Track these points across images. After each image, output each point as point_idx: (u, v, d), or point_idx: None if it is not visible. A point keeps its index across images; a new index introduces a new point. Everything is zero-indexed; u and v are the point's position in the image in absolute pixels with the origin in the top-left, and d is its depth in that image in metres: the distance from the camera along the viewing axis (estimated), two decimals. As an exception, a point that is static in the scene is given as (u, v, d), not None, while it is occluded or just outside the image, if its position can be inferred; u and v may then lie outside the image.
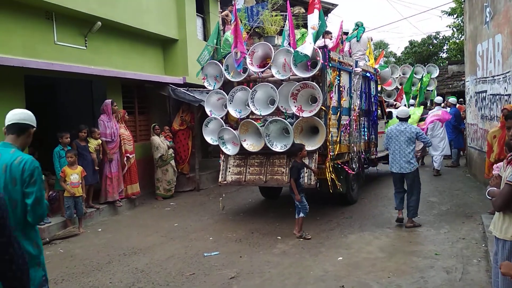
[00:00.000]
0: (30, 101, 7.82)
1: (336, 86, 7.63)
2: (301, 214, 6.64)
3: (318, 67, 7.03)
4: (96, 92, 9.96)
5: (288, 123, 7.16)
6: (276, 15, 15.76)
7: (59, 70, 7.63)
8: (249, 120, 7.55)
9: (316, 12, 7.25)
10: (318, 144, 7.04)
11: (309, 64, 7.23)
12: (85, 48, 8.71)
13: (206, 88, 8.57)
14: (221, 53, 8.39)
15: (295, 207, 6.73)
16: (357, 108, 8.55)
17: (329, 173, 7.33)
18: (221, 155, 8.10)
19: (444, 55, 31.69)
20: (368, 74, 9.33)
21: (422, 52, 31.34)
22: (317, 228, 7.10)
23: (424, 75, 16.25)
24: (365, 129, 9.23)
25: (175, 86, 10.56)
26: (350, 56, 9.57)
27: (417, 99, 14.73)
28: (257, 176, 7.70)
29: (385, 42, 40.19)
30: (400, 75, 16.96)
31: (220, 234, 7.02)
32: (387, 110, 11.89)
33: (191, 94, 10.41)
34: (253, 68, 7.54)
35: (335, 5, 19.78)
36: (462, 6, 15.35)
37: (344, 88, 8.03)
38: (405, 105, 14.66)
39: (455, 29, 25.73)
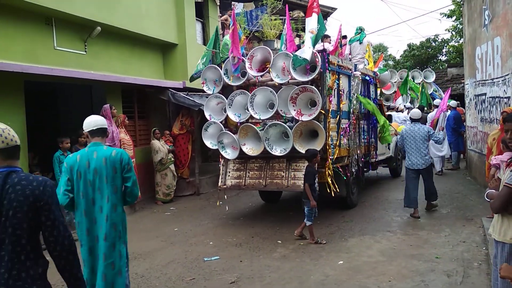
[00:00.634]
0: (30, 106, 7.84)
1: (335, 89, 7.63)
2: (307, 222, 6.59)
3: (317, 71, 7.03)
4: (96, 97, 9.97)
5: (287, 127, 7.15)
6: (275, 19, 15.88)
7: (59, 75, 7.63)
8: (248, 124, 7.55)
9: (314, 16, 7.25)
10: (317, 148, 7.02)
11: (308, 68, 7.23)
12: (84, 53, 8.72)
13: (205, 92, 8.59)
14: (220, 57, 8.41)
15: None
16: (357, 112, 8.55)
17: (329, 177, 7.34)
18: (220, 159, 8.10)
19: (444, 58, 31.72)
20: (367, 78, 9.34)
21: (421, 55, 31.35)
22: (317, 232, 7.07)
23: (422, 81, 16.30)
24: (365, 132, 9.23)
25: (174, 90, 10.58)
26: (350, 60, 9.60)
27: (418, 103, 14.74)
28: (257, 180, 7.70)
29: (384, 46, 40.30)
30: (398, 80, 16.99)
31: (220, 238, 7.01)
32: (387, 113, 11.90)
33: (191, 99, 10.42)
34: (252, 72, 7.56)
35: (334, 9, 19.87)
36: (461, 8, 15.38)
37: (344, 92, 8.04)
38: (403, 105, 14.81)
39: (454, 32, 25.75)
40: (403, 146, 7.98)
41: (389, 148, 11.38)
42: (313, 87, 7.05)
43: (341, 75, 7.91)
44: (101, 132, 3.86)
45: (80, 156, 3.70)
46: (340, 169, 7.84)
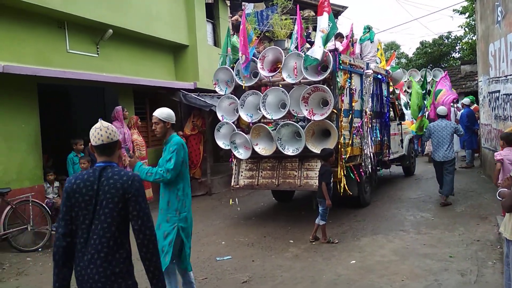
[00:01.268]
0: (44, 108, 7.95)
1: (347, 88, 7.62)
2: (321, 222, 6.57)
3: (328, 71, 7.02)
4: (108, 98, 10.08)
5: (299, 127, 7.15)
6: (285, 19, 15.84)
7: (72, 78, 7.74)
8: (261, 124, 7.59)
9: (325, 14, 7.21)
10: (330, 147, 6.99)
11: (320, 68, 7.22)
12: (97, 55, 8.82)
13: (216, 93, 8.59)
14: (231, 59, 8.43)
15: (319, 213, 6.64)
16: (368, 110, 8.51)
17: (342, 176, 7.32)
18: (233, 159, 8.13)
19: (457, 55, 31.39)
20: (379, 76, 9.28)
21: (433, 53, 31.06)
22: (329, 231, 7.05)
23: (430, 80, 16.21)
24: (378, 131, 9.17)
25: (186, 91, 10.63)
26: (361, 58, 9.55)
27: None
28: (270, 180, 7.72)
29: (397, 43, 39.97)
30: (408, 79, 16.87)
31: (232, 238, 7.04)
32: (400, 111, 11.85)
33: (202, 99, 10.47)
34: (263, 73, 7.57)
35: (345, 7, 19.80)
36: (474, 5, 15.20)
37: (356, 91, 8.01)
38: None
39: (467, 29, 25.46)
40: (430, 138, 8.58)
41: (402, 147, 11.34)
42: (325, 86, 7.04)
43: (353, 74, 7.88)
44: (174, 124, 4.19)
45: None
46: (353, 168, 7.81)
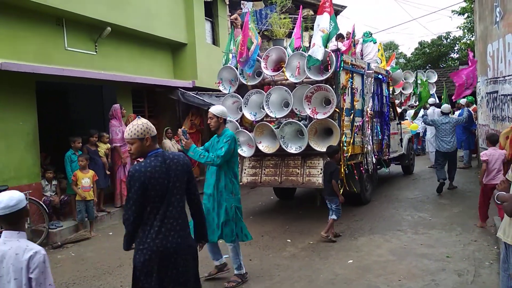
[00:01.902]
0: (42, 106, 7.92)
1: (349, 88, 7.71)
2: (334, 217, 6.62)
3: (331, 71, 7.13)
4: (107, 96, 10.03)
5: (302, 125, 7.28)
6: (284, 18, 15.83)
7: (70, 76, 7.71)
8: (264, 122, 7.71)
9: (326, 15, 7.23)
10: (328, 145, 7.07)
11: (322, 67, 7.32)
12: (95, 53, 8.80)
13: (215, 91, 8.63)
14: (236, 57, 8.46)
15: (329, 209, 6.70)
16: (369, 110, 8.61)
17: (344, 174, 7.40)
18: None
19: (455, 56, 31.43)
20: (380, 76, 9.40)
21: (432, 53, 31.09)
22: (327, 231, 7.08)
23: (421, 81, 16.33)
24: (378, 130, 9.30)
25: (184, 90, 10.62)
26: (362, 58, 9.61)
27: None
28: (273, 177, 7.83)
29: (395, 43, 40.02)
30: (402, 80, 17.02)
31: (230, 237, 7.02)
32: (399, 111, 12.03)
33: (201, 98, 10.46)
34: (267, 72, 7.70)
35: (343, 7, 19.79)
36: (472, 5, 15.23)
37: (357, 90, 8.12)
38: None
39: (465, 30, 25.50)
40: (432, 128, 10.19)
41: (401, 146, 11.45)
42: (328, 86, 7.13)
43: (354, 74, 7.98)
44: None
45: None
46: (354, 167, 7.91)
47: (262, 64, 7.69)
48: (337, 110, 7.26)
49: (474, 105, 13.60)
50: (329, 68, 7.21)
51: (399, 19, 64.31)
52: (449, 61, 31.12)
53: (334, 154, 6.77)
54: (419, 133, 14.96)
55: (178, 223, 3.12)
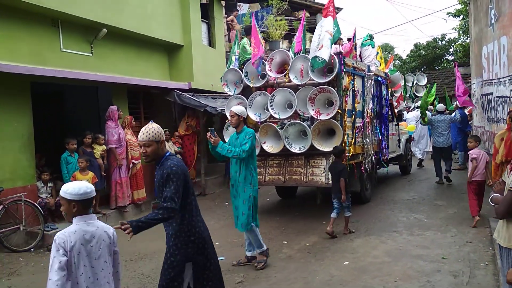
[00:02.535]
0: (37, 108, 7.89)
1: (351, 90, 7.95)
2: (348, 213, 6.97)
3: (334, 73, 7.37)
4: (102, 98, 10.02)
5: (306, 126, 7.50)
6: (280, 20, 15.86)
7: (66, 77, 7.69)
8: (269, 123, 7.89)
9: (330, 18, 7.50)
10: (334, 146, 7.34)
11: (326, 70, 7.53)
12: (91, 54, 8.78)
13: (211, 93, 8.71)
14: (240, 61, 8.74)
15: (335, 207, 6.92)
16: (370, 111, 8.89)
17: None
18: None
19: (451, 58, 31.53)
20: (379, 78, 9.68)
21: (427, 55, 31.19)
22: (323, 232, 7.07)
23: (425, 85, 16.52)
24: (378, 131, 9.55)
25: (180, 91, 10.61)
26: (361, 61, 9.74)
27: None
28: (276, 177, 8.01)
29: (391, 45, 40.12)
30: (400, 83, 17.18)
31: (226, 239, 7.03)
32: (397, 112, 12.30)
33: (197, 100, 10.45)
34: (271, 74, 7.91)
35: (339, 9, 19.82)
36: (467, 8, 15.32)
37: (358, 92, 8.36)
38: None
39: (460, 32, 25.59)
40: (431, 128, 11.25)
41: (399, 146, 11.71)
42: (331, 87, 7.35)
43: (355, 76, 8.23)
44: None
45: None
46: (355, 166, 8.11)
47: (267, 67, 7.92)
48: (339, 111, 7.46)
49: (470, 107, 13.66)
50: (333, 70, 7.45)
51: (395, 21, 64.56)
52: (444, 63, 31.21)
53: (341, 154, 7.09)
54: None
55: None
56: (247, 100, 8.03)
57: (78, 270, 2.61)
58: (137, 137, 9.68)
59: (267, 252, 5.76)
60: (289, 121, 7.68)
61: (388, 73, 10.85)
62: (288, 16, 17.23)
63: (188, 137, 10.98)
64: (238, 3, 17.93)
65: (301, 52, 8.02)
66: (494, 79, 9.17)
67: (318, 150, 7.48)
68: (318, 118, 7.37)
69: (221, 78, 8.64)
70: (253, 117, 7.96)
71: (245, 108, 7.91)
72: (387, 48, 38.27)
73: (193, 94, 10.75)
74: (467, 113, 13.21)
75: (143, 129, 3.30)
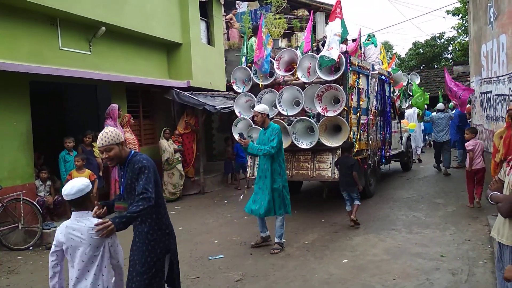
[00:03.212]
0: (36, 106, 7.88)
1: (356, 88, 8.19)
2: (358, 202, 7.29)
3: (341, 71, 7.62)
4: (101, 96, 10.01)
5: (313, 122, 7.74)
6: (279, 18, 15.85)
7: (64, 76, 7.68)
8: (277, 119, 8.09)
9: (337, 20, 7.82)
10: (341, 141, 7.63)
11: (333, 68, 7.79)
12: (89, 53, 8.76)
13: (210, 91, 8.79)
14: (248, 59, 9.10)
15: (347, 199, 7.30)
16: (374, 109, 9.19)
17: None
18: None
19: (449, 56, 31.54)
20: (383, 77, 9.94)
21: (426, 54, 31.19)
22: (322, 230, 7.09)
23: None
24: (381, 128, 9.83)
25: (179, 90, 10.60)
26: (364, 60, 9.86)
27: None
28: None
29: (390, 44, 40.10)
30: (403, 81, 17.19)
31: (225, 237, 7.03)
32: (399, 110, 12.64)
33: (196, 98, 10.44)
34: (279, 72, 8.23)
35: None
36: (466, 6, 15.32)
37: (363, 90, 8.62)
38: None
39: (460, 31, 25.60)
40: (432, 124, 12.17)
41: (401, 144, 12.06)
42: (338, 85, 7.58)
43: (360, 75, 8.47)
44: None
45: None
46: (359, 162, 8.29)
47: (275, 65, 8.21)
48: (345, 108, 7.70)
49: (468, 105, 13.68)
50: (339, 69, 7.68)
51: (393, 19, 64.43)
52: (443, 62, 31.23)
53: (350, 148, 7.51)
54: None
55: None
56: (256, 97, 8.31)
57: (73, 259, 3.01)
58: (136, 135, 9.78)
59: (283, 244, 6.22)
60: (296, 118, 7.90)
61: (391, 72, 11.08)
62: (287, 15, 17.22)
63: (187, 136, 10.97)
64: (237, 1, 17.90)
65: (310, 51, 8.29)
66: (493, 77, 9.17)
67: (325, 145, 7.73)
68: (326, 114, 7.63)
69: (233, 78, 8.87)
70: None
71: (253, 105, 8.31)
72: (386, 47, 38.25)
73: (192, 93, 10.74)
74: (466, 112, 13.21)
75: (100, 135, 3.29)
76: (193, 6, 11.57)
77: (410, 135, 13.38)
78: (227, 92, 12.81)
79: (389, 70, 11.18)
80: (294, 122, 7.84)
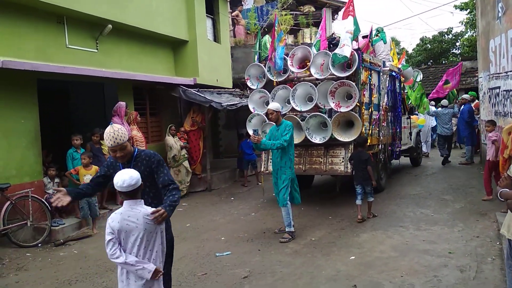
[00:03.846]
0: (43, 104, 7.93)
1: (368, 84, 8.33)
2: (371, 199, 7.46)
3: (354, 68, 7.78)
4: (108, 94, 10.05)
5: (327, 118, 7.90)
6: (285, 14, 15.80)
7: (71, 73, 7.71)
8: (291, 115, 8.27)
9: (350, 18, 8.03)
10: (354, 136, 7.83)
11: (345, 65, 7.93)
12: (96, 51, 8.79)
13: (216, 88, 8.84)
14: (261, 56, 9.27)
15: (359, 193, 7.39)
16: (385, 104, 9.38)
17: None
18: None
19: (457, 52, 31.28)
20: (393, 73, 10.10)
21: (433, 49, 30.95)
22: (329, 227, 7.08)
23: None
24: (391, 123, 9.99)
25: (185, 87, 10.61)
26: (375, 57, 9.87)
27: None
28: (297, 166, 8.31)
29: (397, 39, 39.84)
30: (412, 77, 17.12)
31: (232, 234, 7.04)
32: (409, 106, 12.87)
33: (202, 95, 10.45)
34: (293, 69, 8.43)
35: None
36: (474, 1, 15.18)
37: (375, 86, 8.78)
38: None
39: (468, 26, 25.38)
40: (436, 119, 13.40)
41: (410, 139, 12.16)
42: (351, 81, 7.76)
43: (372, 71, 8.67)
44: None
45: None
46: (371, 156, 8.32)
47: (289, 62, 8.37)
48: (358, 104, 7.84)
49: (477, 101, 13.57)
50: (351, 65, 7.81)
51: (401, 14, 64.02)
52: (451, 57, 30.98)
53: (364, 143, 7.60)
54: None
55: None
56: (270, 93, 8.49)
57: (126, 244, 3.11)
58: (143, 133, 9.80)
59: (293, 234, 6.51)
60: (309, 114, 8.05)
61: (401, 69, 11.18)
62: (293, 11, 17.15)
63: (194, 133, 10.98)
64: (243, -2, 17.85)
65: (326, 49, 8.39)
66: (501, 73, 9.09)
67: (337, 140, 7.91)
68: (339, 110, 7.79)
69: (247, 74, 9.03)
70: None
71: (267, 101, 8.55)
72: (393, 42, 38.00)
73: (198, 90, 10.74)
74: (474, 107, 13.13)
75: (110, 134, 3.32)
76: (199, 3, 11.56)
77: (419, 130, 13.50)
78: (234, 89, 12.81)
79: (399, 66, 11.26)
80: (308, 118, 8.00)
